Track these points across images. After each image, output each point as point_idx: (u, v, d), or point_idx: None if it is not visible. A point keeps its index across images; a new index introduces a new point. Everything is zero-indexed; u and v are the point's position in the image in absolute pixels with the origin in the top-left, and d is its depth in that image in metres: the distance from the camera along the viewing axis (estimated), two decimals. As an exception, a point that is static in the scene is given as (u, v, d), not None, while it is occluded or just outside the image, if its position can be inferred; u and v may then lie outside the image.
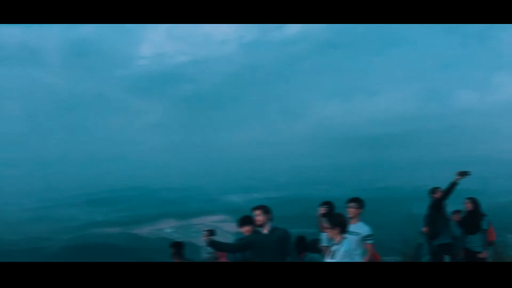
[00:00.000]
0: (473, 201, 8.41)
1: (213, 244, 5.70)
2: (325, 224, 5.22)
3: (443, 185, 8.13)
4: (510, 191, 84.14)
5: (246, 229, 6.25)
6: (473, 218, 8.37)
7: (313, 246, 7.68)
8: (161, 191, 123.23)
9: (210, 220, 77.23)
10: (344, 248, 4.96)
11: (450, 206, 8.39)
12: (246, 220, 6.27)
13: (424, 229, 8.41)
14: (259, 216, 5.75)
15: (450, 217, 8.50)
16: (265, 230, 5.78)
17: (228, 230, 58.74)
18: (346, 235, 5.17)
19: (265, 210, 5.81)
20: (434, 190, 8.36)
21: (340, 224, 5.11)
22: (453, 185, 7.65)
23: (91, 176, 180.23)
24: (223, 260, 6.85)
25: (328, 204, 6.97)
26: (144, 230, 73.04)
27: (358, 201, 6.37)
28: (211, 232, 5.70)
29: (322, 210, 6.86)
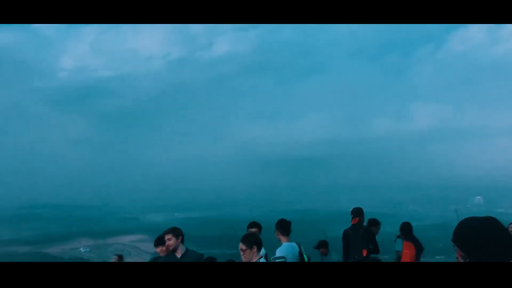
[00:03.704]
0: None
1: None
2: (241, 245, 5.02)
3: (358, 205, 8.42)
4: (423, 216, 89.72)
5: (161, 249, 6.19)
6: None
7: None
8: (76, 209, 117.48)
9: (128, 240, 74.81)
10: None
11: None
12: (161, 240, 6.07)
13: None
14: (169, 241, 5.62)
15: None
16: (178, 254, 5.64)
17: (147, 250, 57.61)
18: (262, 254, 5.09)
19: (176, 233, 5.64)
20: (354, 213, 8.27)
21: (256, 243, 5.01)
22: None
23: (1, 191, 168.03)
24: None
25: (256, 225, 6.87)
26: (57, 250, 69.37)
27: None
28: (120, 257, 5.46)
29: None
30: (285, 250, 6.13)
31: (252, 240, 4.99)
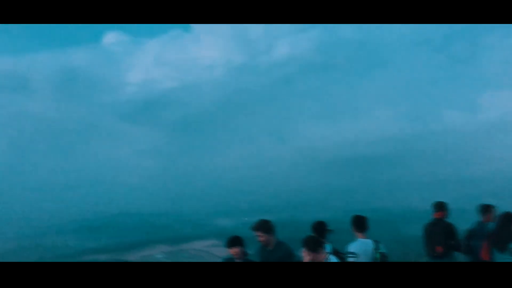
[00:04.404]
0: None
1: None
2: (307, 253, 5.04)
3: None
4: (500, 210, 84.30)
5: (235, 251, 6.02)
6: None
7: None
8: (152, 217, 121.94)
9: (201, 245, 77.03)
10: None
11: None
12: (234, 241, 6.04)
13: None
14: (261, 237, 5.81)
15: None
16: (270, 246, 5.84)
17: (219, 254, 58.87)
18: (329, 250, 5.27)
19: (265, 229, 5.83)
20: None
21: (319, 244, 5.08)
22: None
23: (81, 202, 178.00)
24: None
25: (321, 224, 6.69)
26: (135, 256, 72.37)
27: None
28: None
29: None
30: (357, 247, 6.12)
31: (314, 243, 5.04)
